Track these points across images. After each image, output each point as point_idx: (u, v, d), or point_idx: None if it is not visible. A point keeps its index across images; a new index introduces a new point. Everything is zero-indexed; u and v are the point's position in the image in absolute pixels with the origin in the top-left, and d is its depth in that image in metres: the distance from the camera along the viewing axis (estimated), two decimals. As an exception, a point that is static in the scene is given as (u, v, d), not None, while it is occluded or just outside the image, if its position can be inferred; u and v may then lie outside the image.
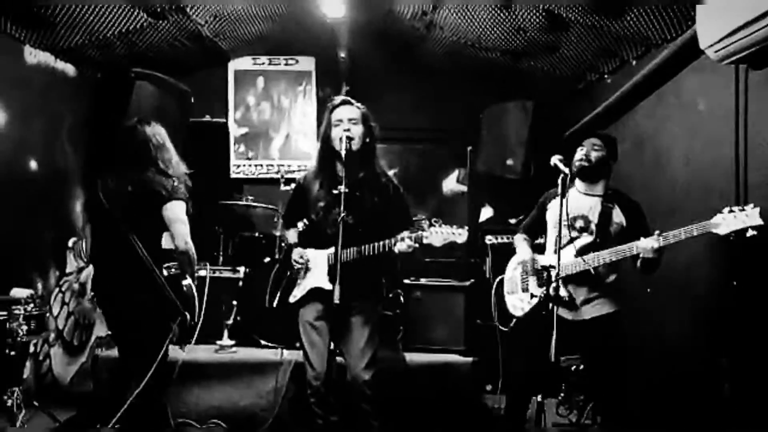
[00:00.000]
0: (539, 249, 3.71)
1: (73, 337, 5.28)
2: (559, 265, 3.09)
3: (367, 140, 3.33)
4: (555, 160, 3.32)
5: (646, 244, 3.13)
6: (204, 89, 6.12)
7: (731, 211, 2.96)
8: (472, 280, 4.85)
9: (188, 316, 3.20)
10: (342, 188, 3.07)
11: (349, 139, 3.19)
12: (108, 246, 3.42)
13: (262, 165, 6.22)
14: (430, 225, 3.10)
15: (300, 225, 3.41)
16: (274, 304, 3.40)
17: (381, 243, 3.15)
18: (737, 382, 3.32)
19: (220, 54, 5.95)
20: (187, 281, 3.29)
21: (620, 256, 3.25)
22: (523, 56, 5.31)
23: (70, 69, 5.22)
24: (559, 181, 3.21)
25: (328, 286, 3.20)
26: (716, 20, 3.23)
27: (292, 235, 3.54)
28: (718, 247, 3.53)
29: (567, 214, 3.25)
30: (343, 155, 3.16)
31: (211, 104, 6.23)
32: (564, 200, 3.16)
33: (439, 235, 3.03)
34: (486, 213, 6.23)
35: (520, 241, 3.75)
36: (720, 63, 3.35)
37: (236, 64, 6.21)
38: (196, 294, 3.31)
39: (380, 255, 3.25)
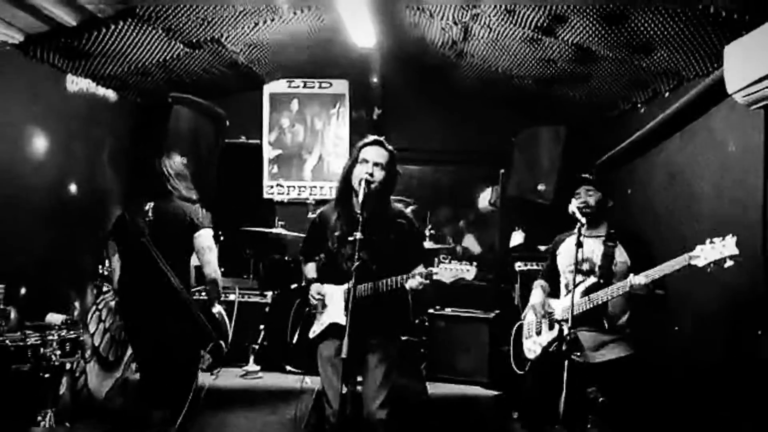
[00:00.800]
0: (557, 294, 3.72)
1: (108, 353, 5.45)
2: (572, 311, 3.09)
3: (388, 182, 3.38)
4: (573, 208, 3.34)
5: (634, 280, 3.15)
6: (239, 112, 6.27)
7: (711, 242, 2.97)
8: (497, 311, 4.85)
9: (222, 344, 3.31)
10: (359, 228, 3.10)
11: (369, 182, 3.24)
12: (137, 274, 3.55)
13: (294, 186, 6.32)
14: (440, 262, 3.13)
15: (318, 259, 3.49)
16: (294, 340, 3.47)
17: (394, 279, 3.20)
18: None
19: (255, 78, 6.07)
20: (218, 308, 3.40)
21: (616, 294, 3.26)
22: (555, 84, 5.28)
23: (111, 95, 5.41)
24: (576, 230, 3.23)
25: (344, 321, 3.26)
26: (743, 65, 3.18)
27: (310, 270, 3.61)
28: (745, 294, 3.48)
29: (576, 260, 3.28)
30: (360, 196, 3.20)
31: (246, 126, 6.36)
32: (579, 247, 3.18)
33: (448, 271, 3.06)
34: (517, 238, 6.18)
35: (536, 287, 3.80)
36: (748, 107, 3.29)
37: (271, 87, 6.33)
38: (227, 320, 3.41)
39: (397, 291, 3.29)
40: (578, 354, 3.36)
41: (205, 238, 3.46)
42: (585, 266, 3.49)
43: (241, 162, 6.26)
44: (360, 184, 3.24)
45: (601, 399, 4.92)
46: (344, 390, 2.96)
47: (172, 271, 3.33)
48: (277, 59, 5.68)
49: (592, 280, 3.42)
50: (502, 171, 6.45)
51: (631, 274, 3.20)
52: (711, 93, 3.78)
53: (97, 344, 5.29)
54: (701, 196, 4.06)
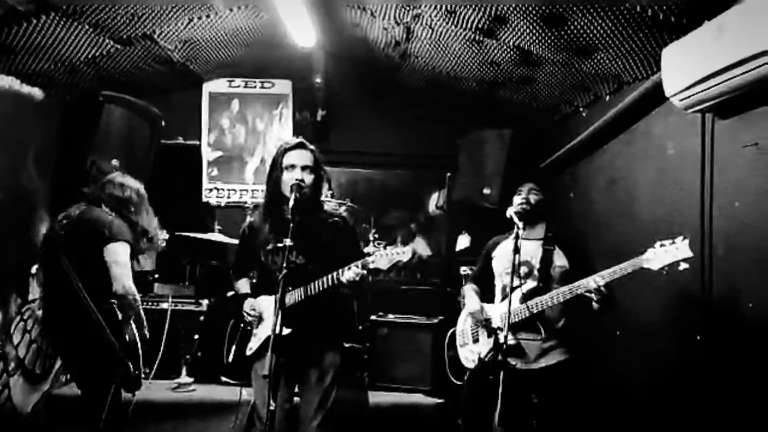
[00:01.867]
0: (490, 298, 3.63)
1: (35, 365, 5.16)
2: (509, 317, 3.01)
3: (319, 185, 3.25)
4: (511, 212, 3.27)
5: (585, 285, 3.07)
6: (177, 111, 6.03)
7: (662, 245, 2.90)
8: (441, 317, 4.75)
9: (131, 366, 3.11)
10: (289, 235, 2.94)
11: (301, 188, 3.10)
12: (52, 287, 3.34)
13: (235, 190, 6.12)
14: (377, 250, 3.03)
15: (251, 275, 3.34)
16: (230, 360, 3.30)
17: (328, 277, 3.05)
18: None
19: (193, 76, 5.86)
20: (131, 328, 3.20)
21: (561, 299, 3.19)
22: (499, 87, 5.23)
23: (37, 93, 5.11)
24: (513, 235, 3.16)
25: (284, 331, 3.11)
26: (681, 68, 3.16)
27: (243, 286, 3.45)
28: (684, 298, 3.46)
29: (514, 262, 3.21)
30: (291, 202, 3.05)
31: (185, 127, 6.14)
32: (516, 253, 3.10)
33: (384, 258, 2.93)
34: (463, 242, 6.13)
35: (470, 292, 3.67)
36: (685, 111, 3.28)
37: (211, 87, 6.12)
38: (140, 342, 3.21)
39: (338, 296, 3.16)
40: (516, 362, 3.29)
41: (113, 252, 3.24)
42: (523, 270, 3.41)
43: (178, 164, 6.03)
44: (292, 190, 3.09)
45: (534, 401, 4.97)
46: (272, 406, 2.80)
47: (88, 285, 3.12)
48: (215, 57, 5.47)
49: (531, 284, 3.35)
50: (449, 174, 6.40)
51: (590, 278, 3.08)
52: (650, 96, 3.77)
53: (22, 356, 5.01)
54: (640, 200, 4.05)
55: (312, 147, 3.30)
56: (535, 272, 3.38)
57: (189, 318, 4.73)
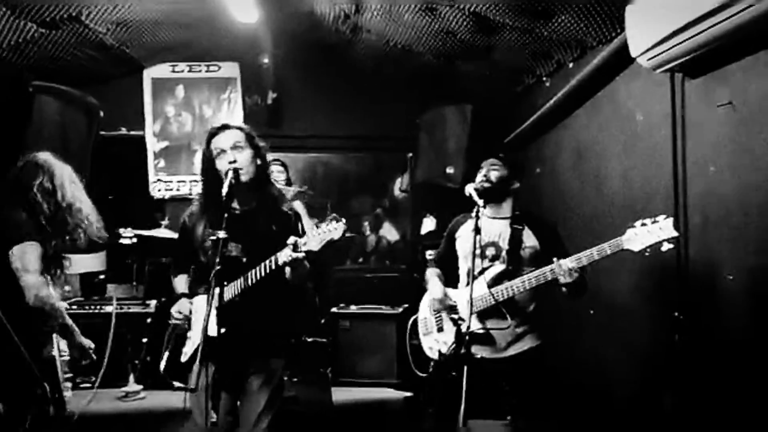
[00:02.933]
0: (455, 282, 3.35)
1: None
2: (471, 307, 2.75)
3: (258, 163, 2.92)
4: (470, 189, 3.01)
5: (559, 268, 2.81)
6: (119, 100, 5.66)
7: (643, 224, 2.66)
8: (406, 305, 4.49)
9: (47, 389, 2.77)
10: (223, 226, 2.62)
11: (237, 171, 2.78)
12: None
13: (185, 181, 5.76)
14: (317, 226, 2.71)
15: (193, 269, 3.01)
16: (162, 368, 2.97)
17: (263, 264, 2.72)
18: (680, 420, 3.04)
19: (132, 62, 5.47)
20: (53, 343, 2.86)
21: (533, 284, 2.94)
22: (457, 59, 4.96)
23: (-42, 85, 4.72)
24: (473, 214, 2.89)
25: (217, 332, 2.80)
26: (647, 26, 2.92)
27: (179, 284, 3.10)
28: (660, 272, 3.25)
29: (478, 244, 2.96)
30: (225, 188, 2.72)
31: (127, 116, 5.76)
32: (477, 233, 2.84)
33: (315, 238, 2.60)
34: (428, 225, 5.87)
35: (432, 277, 3.39)
36: (653, 71, 3.04)
37: (152, 72, 5.73)
38: (60, 362, 2.88)
39: (279, 291, 2.86)
40: (485, 351, 3.07)
41: (16, 257, 2.76)
42: (490, 251, 3.15)
43: (122, 156, 5.66)
44: (226, 176, 2.77)
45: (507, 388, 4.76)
46: (213, 418, 2.50)
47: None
48: (153, 40, 5.09)
49: (499, 267, 3.09)
50: (410, 155, 6.14)
51: (560, 260, 2.83)
52: (615, 60, 3.54)
53: None
54: (609, 172, 3.83)
55: (241, 125, 2.96)
56: (503, 254, 3.12)
57: (136, 321, 4.39)
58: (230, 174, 2.74)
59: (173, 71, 5.77)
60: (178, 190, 5.75)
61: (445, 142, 5.58)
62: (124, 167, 5.71)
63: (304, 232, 2.83)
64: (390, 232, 7.20)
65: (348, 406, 4.01)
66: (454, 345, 2.82)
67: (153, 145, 5.75)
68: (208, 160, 2.88)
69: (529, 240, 3.15)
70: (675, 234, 2.62)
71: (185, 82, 5.78)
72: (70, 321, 2.92)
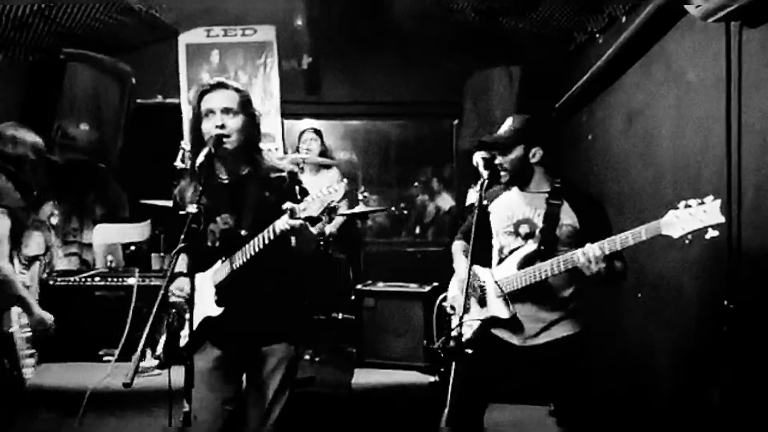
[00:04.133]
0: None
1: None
2: (466, 300, 2.41)
3: (249, 132, 2.64)
4: (477, 158, 2.65)
5: (587, 253, 2.44)
6: (155, 68, 5.55)
7: (687, 206, 2.27)
8: (435, 284, 4.19)
9: (6, 363, 2.67)
10: (199, 198, 2.37)
11: (221, 138, 2.53)
12: None
13: (221, 150, 5.61)
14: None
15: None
16: (159, 351, 2.80)
17: (260, 236, 2.47)
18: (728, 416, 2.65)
19: (164, 27, 5.31)
20: (7, 323, 2.76)
21: (561, 268, 2.57)
22: (501, 16, 4.54)
23: (-10, 53, 4.69)
24: (477, 188, 2.54)
25: (216, 312, 2.60)
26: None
27: (178, 262, 2.89)
28: (709, 254, 2.82)
29: (509, 221, 2.68)
30: (200, 159, 2.42)
31: (165, 84, 5.63)
32: (481, 210, 2.51)
33: (314, 202, 2.34)
34: (472, 197, 5.51)
35: (458, 253, 3.07)
36: (705, 21, 2.58)
37: (187, 38, 5.55)
38: (21, 336, 2.76)
39: (282, 268, 2.63)
40: (513, 338, 2.77)
41: None
42: (523, 229, 2.79)
43: (158, 126, 5.55)
44: (207, 143, 2.53)
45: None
46: (186, 407, 2.30)
47: None
48: (185, 4, 4.92)
49: (531, 246, 2.74)
50: (455, 122, 5.77)
51: (582, 249, 2.47)
52: (667, 10, 3.07)
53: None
54: (659, 139, 3.37)
55: (237, 85, 2.66)
56: (537, 232, 2.76)
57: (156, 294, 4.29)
58: (211, 141, 2.50)
59: (208, 36, 5.57)
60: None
61: (490, 107, 5.17)
62: (161, 136, 5.61)
63: (304, 196, 2.56)
64: (448, 202, 6.89)
65: (367, 390, 3.77)
66: (443, 339, 2.49)
67: (188, 112, 5.59)
68: (195, 119, 2.62)
69: (568, 217, 2.74)
70: (721, 220, 2.21)
71: (220, 47, 5.58)
72: (24, 293, 2.81)
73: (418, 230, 6.70)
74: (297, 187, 2.64)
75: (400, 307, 4.07)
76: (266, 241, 2.47)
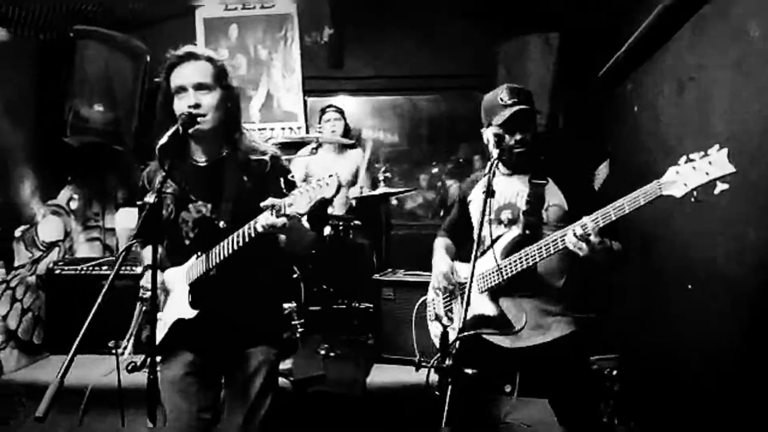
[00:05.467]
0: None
1: (32, 335, 4.74)
2: (466, 307, 2.03)
3: (227, 108, 2.33)
4: (489, 134, 2.30)
5: (577, 230, 2.14)
6: (170, 44, 5.27)
7: (689, 159, 1.94)
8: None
9: None
10: (161, 185, 2.06)
11: (192, 117, 2.22)
12: None
13: (241, 130, 5.34)
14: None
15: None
16: (127, 352, 2.53)
17: (240, 232, 2.19)
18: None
19: (181, 2, 5.06)
20: None
21: (551, 250, 2.26)
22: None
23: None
24: (487, 169, 2.19)
25: (190, 314, 2.33)
26: None
27: (149, 255, 2.61)
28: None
29: (490, 208, 2.38)
30: (165, 139, 2.08)
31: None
32: (489, 196, 2.17)
33: (303, 196, 2.01)
34: (455, 191, 5.15)
35: (438, 249, 2.78)
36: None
37: (204, 12, 5.29)
38: None
39: (264, 264, 2.34)
40: (502, 339, 2.42)
41: None
42: (506, 215, 2.50)
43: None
44: (176, 120, 2.22)
45: (606, 371, 4.03)
46: (149, 425, 2.04)
47: None
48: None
49: (515, 232, 2.43)
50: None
51: (572, 225, 2.16)
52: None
53: (13, 327, 4.58)
54: (715, 106, 2.91)
55: (210, 53, 2.34)
56: (521, 216, 2.46)
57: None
58: (181, 119, 2.19)
59: (226, 9, 5.29)
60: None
61: (526, 77, 4.75)
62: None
63: (289, 186, 2.25)
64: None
65: (384, 389, 3.46)
66: (438, 357, 2.12)
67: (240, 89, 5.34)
68: (165, 98, 2.31)
69: (554, 197, 2.45)
70: (730, 170, 1.86)
71: (239, 20, 5.30)
72: None
73: (442, 213, 6.34)
74: (281, 175, 2.31)
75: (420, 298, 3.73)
76: (246, 239, 2.17)
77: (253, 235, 2.16)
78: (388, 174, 4.46)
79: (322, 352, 3.76)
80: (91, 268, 4.29)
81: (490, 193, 2.14)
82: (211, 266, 2.28)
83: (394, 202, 5.30)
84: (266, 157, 2.36)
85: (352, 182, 4.85)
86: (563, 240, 2.19)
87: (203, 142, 2.34)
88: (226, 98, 2.31)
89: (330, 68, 5.22)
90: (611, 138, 4.46)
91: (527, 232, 2.40)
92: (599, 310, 3.73)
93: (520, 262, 2.33)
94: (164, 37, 5.25)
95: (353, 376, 3.50)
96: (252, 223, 2.16)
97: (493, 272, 2.41)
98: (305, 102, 5.33)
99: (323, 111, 4.96)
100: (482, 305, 2.44)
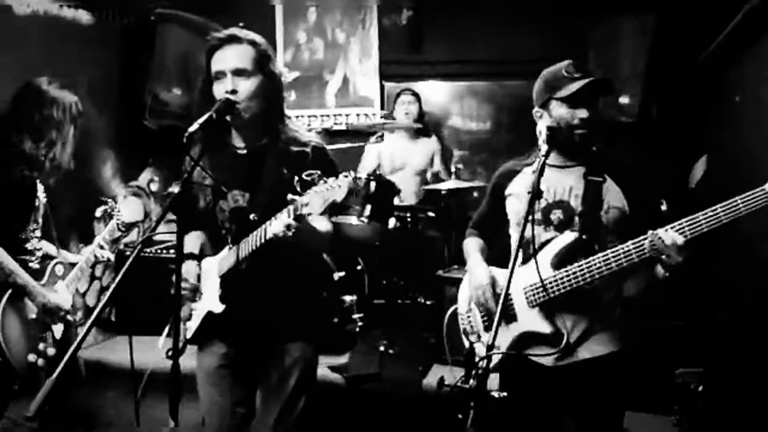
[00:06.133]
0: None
1: (110, 313, 4.89)
2: (497, 325, 1.76)
3: (269, 97, 2.18)
4: (542, 126, 2.03)
5: (659, 242, 1.85)
6: (248, 28, 5.25)
7: None
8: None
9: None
10: (186, 174, 1.94)
11: (232, 104, 2.09)
12: None
13: (316, 116, 5.26)
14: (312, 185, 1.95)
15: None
16: (162, 349, 2.46)
17: (255, 233, 2.08)
18: None
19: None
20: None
21: (623, 262, 1.95)
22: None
23: (83, 16, 4.61)
24: (536, 165, 1.94)
25: (218, 309, 2.23)
26: None
27: (190, 241, 2.50)
28: None
29: (535, 209, 1.99)
30: (196, 126, 1.93)
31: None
32: (536, 197, 1.90)
33: (317, 197, 1.84)
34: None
35: (474, 253, 2.40)
36: None
37: (284, -5, 5.25)
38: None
39: (299, 257, 2.21)
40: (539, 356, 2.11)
41: None
42: (556, 216, 2.15)
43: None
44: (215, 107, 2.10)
45: (692, 386, 3.76)
46: (172, 424, 1.96)
47: None
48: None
49: (568, 237, 2.09)
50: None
51: (656, 233, 1.86)
52: None
53: (91, 305, 4.73)
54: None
55: (254, 37, 2.19)
56: (577, 218, 2.11)
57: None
58: (218, 105, 2.07)
59: (305, -8, 5.22)
60: (309, 125, 5.27)
61: (617, 62, 4.42)
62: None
63: (307, 184, 2.08)
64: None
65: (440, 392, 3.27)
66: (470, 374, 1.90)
67: (284, 76, 5.29)
68: (204, 84, 2.19)
69: (614, 197, 2.10)
70: None
71: (317, 4, 5.21)
72: (24, 279, 2.57)
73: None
74: (324, 168, 2.14)
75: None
76: (258, 244, 2.06)
77: (264, 241, 2.04)
78: (460, 166, 4.23)
79: (381, 348, 3.63)
80: (160, 251, 4.33)
81: (536, 194, 1.88)
82: (240, 259, 2.17)
83: (475, 193, 5.06)
84: (308, 149, 2.21)
85: (426, 171, 4.67)
86: (640, 250, 1.89)
87: (243, 130, 2.23)
88: (267, 85, 2.18)
89: (408, 52, 5.04)
90: (709, 131, 4.04)
91: (584, 237, 2.06)
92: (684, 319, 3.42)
93: (582, 275, 2.01)
94: (242, 20, 5.22)
95: (409, 375, 3.34)
96: (261, 230, 2.05)
97: (547, 284, 2.07)
98: (382, 87, 5.18)
99: (398, 95, 4.78)
100: (533, 321, 2.13)
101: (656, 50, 4.20)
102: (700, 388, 3.53)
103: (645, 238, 1.89)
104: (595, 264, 1.99)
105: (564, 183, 2.16)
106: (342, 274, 3.76)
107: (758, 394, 3.05)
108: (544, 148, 1.96)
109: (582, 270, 2.01)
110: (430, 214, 4.33)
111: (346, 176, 1.86)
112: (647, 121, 4.29)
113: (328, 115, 5.23)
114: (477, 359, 1.74)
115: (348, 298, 3.75)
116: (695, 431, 3.38)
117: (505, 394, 1.77)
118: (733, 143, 3.65)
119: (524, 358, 2.10)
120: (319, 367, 3.36)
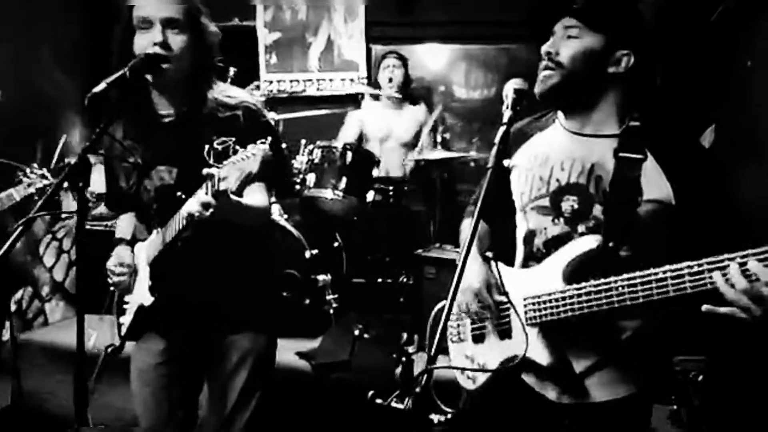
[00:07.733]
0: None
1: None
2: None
3: (200, 54, 1.88)
4: (509, 89, 1.58)
5: (724, 283, 1.26)
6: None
7: None
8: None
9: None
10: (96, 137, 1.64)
11: (160, 59, 1.79)
12: None
13: (298, 80, 4.95)
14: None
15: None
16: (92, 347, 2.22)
17: (177, 215, 1.80)
18: None
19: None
20: None
21: (656, 295, 1.35)
22: None
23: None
24: (499, 134, 1.47)
25: (148, 301, 1.97)
26: None
27: (123, 225, 2.19)
28: None
29: (542, 182, 1.59)
30: (107, 81, 1.64)
31: (241, 3, 5.02)
32: (492, 170, 1.44)
33: (231, 168, 1.57)
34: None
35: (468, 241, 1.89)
36: None
37: (262, -50, 4.91)
38: None
39: (239, 236, 1.94)
40: (545, 390, 1.66)
41: None
42: (568, 204, 1.58)
43: (235, 51, 4.98)
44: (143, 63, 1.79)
45: (692, 374, 3.55)
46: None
47: None
48: None
49: (589, 243, 1.53)
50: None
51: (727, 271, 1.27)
52: None
53: (60, 279, 4.51)
54: None
55: None
56: (596, 211, 1.56)
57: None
58: (138, 61, 1.75)
59: (286, -53, 4.88)
60: (292, 89, 4.96)
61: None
62: (237, 64, 5.07)
63: (276, 142, 1.78)
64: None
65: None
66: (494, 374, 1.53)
67: (264, 37, 4.96)
68: (124, 32, 1.85)
69: (653, 186, 1.50)
70: None
71: (300, -42, 4.88)
72: None
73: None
74: (259, 132, 1.83)
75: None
76: (180, 226, 1.80)
77: (184, 224, 1.77)
78: (447, 135, 3.93)
79: (356, 332, 3.37)
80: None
81: (497, 170, 1.44)
82: (166, 244, 1.90)
83: (472, 164, 4.78)
84: (239, 111, 1.91)
85: (413, 143, 4.32)
86: (698, 280, 1.29)
87: (166, 93, 1.92)
88: (199, 42, 1.87)
89: (398, 14, 4.72)
90: (717, 98, 3.72)
91: (609, 242, 1.48)
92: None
93: (607, 297, 1.43)
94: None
95: (383, 362, 3.09)
96: (178, 214, 1.79)
97: (554, 301, 1.54)
98: (369, 50, 4.85)
99: (383, 57, 4.41)
100: (530, 347, 1.56)
101: (663, 10, 3.84)
102: (700, 378, 3.30)
103: (705, 263, 1.29)
104: (626, 288, 1.40)
105: (584, 157, 1.58)
106: (315, 252, 3.49)
107: (759, 388, 2.80)
108: (507, 114, 1.49)
109: (608, 292, 1.43)
110: (407, 187, 4.04)
111: (263, 142, 1.57)
112: (652, 87, 3.96)
113: (311, 80, 4.91)
114: (416, 374, 1.39)
115: (321, 277, 3.49)
116: (691, 425, 3.16)
117: (443, 418, 1.48)
118: (742, 112, 3.34)
119: (523, 386, 1.68)
120: (287, 353, 3.18)
